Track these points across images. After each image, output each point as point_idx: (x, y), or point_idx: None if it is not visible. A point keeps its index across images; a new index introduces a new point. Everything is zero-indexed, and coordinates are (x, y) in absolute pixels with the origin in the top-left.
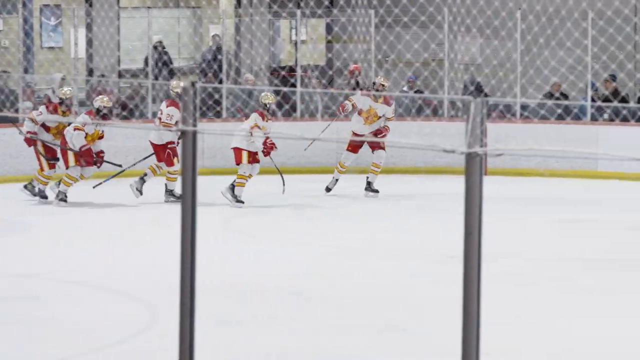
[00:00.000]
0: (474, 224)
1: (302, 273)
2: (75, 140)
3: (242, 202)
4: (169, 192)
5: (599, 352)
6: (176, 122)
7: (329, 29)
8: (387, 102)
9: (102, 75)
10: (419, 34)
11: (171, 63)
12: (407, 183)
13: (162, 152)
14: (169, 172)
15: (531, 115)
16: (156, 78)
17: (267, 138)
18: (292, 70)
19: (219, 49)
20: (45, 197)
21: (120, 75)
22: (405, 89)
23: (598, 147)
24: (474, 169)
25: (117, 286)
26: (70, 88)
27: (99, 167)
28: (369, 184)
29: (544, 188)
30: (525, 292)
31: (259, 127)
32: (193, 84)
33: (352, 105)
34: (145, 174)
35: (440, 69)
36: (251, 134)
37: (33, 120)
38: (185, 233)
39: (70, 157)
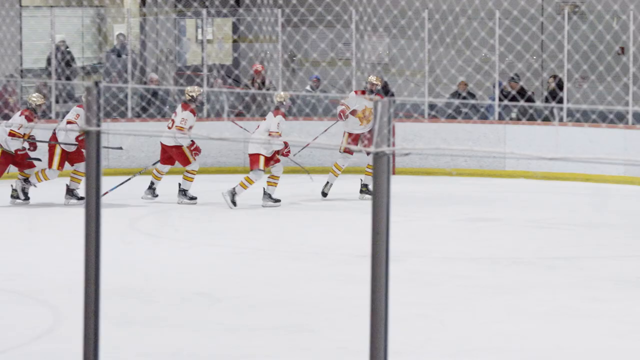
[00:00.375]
0: (382, 224)
1: (209, 274)
2: (12, 144)
3: (279, 200)
4: (182, 192)
5: (506, 349)
6: (190, 127)
7: (235, 28)
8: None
9: (11, 76)
10: (325, 33)
11: (74, 62)
12: (316, 183)
13: (176, 151)
14: (186, 172)
15: (438, 115)
16: (59, 78)
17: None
18: (197, 69)
19: (123, 48)
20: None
21: (22, 75)
22: (308, 88)
23: (505, 146)
24: (381, 169)
25: (20, 289)
26: (38, 94)
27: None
28: (365, 186)
29: (452, 187)
30: (433, 291)
31: (278, 132)
32: (97, 83)
33: (346, 107)
34: (152, 182)
35: (347, 68)
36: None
37: (16, 135)
38: (89, 234)
39: (56, 158)
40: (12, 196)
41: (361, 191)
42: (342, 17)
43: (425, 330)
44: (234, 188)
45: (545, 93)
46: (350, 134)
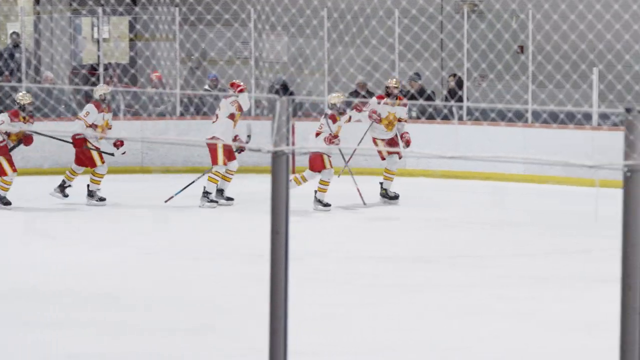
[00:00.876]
0: (281, 223)
1: (110, 275)
2: None
3: (329, 205)
4: (205, 194)
5: (412, 346)
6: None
7: (131, 26)
8: (404, 103)
9: None
10: (223, 32)
11: None
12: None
13: (212, 150)
14: (226, 172)
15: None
16: None
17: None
18: (93, 68)
19: (16, 46)
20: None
21: None
22: (207, 87)
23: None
24: (280, 168)
25: None
26: (27, 92)
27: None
28: (385, 190)
29: (352, 186)
30: (334, 291)
31: (331, 134)
32: None
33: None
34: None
35: (246, 67)
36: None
37: None
38: None
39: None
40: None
41: (381, 195)
42: (240, 16)
43: (327, 330)
44: (315, 196)
45: (445, 92)
46: (376, 140)
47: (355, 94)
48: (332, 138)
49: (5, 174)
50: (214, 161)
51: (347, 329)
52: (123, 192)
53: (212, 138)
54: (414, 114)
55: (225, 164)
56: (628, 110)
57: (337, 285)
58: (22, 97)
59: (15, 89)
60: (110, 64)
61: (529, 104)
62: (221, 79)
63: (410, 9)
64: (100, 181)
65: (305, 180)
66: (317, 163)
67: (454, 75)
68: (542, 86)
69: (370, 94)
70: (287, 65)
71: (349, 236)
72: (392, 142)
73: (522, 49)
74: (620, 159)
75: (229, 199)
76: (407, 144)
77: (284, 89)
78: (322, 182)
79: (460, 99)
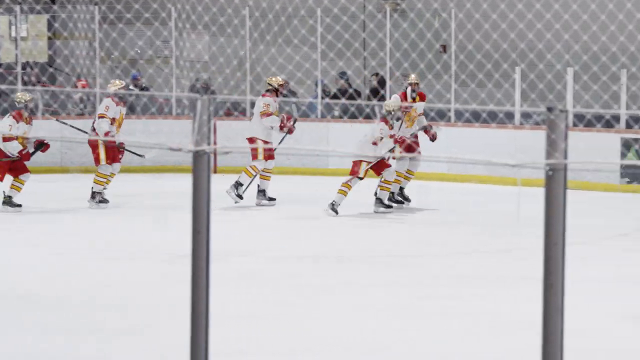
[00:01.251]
0: (202, 223)
1: (31, 276)
2: (10, 147)
3: (391, 207)
4: (261, 193)
5: (338, 345)
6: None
7: (49, 25)
8: (423, 98)
9: None
10: (143, 31)
11: None
12: (135, 182)
13: (250, 143)
14: (263, 170)
15: None
16: None
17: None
18: (11, 67)
19: None
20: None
21: None
22: (131, 87)
23: (329, 144)
24: (201, 167)
25: None
26: (23, 92)
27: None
28: (401, 189)
29: (275, 185)
30: (257, 291)
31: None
32: None
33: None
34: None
35: (166, 66)
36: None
37: (10, 138)
38: None
39: (102, 154)
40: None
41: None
42: (161, 15)
43: (250, 331)
44: (376, 197)
45: (367, 91)
46: (397, 140)
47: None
48: (397, 140)
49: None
50: (253, 156)
51: (270, 328)
52: (41, 192)
53: (251, 138)
54: (336, 113)
55: (265, 159)
56: (550, 110)
57: (260, 285)
58: (22, 95)
59: None
60: (28, 62)
61: (452, 103)
62: (142, 78)
63: (332, 8)
64: (103, 182)
65: (349, 187)
66: (381, 165)
67: (377, 74)
68: (464, 85)
69: (292, 93)
70: (208, 64)
71: (272, 236)
72: (410, 144)
73: (444, 48)
74: (542, 158)
75: (271, 199)
76: (433, 138)
77: (205, 88)
78: (385, 181)
79: (382, 98)
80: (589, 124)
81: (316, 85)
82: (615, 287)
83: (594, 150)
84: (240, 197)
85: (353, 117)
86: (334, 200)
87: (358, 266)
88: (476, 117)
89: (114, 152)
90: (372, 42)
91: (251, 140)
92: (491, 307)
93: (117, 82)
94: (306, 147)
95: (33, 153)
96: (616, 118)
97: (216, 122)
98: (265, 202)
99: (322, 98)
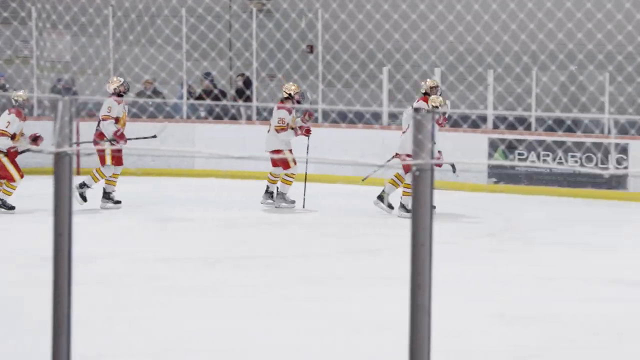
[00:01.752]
0: (64, 225)
1: None
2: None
3: (410, 211)
4: (281, 196)
5: (203, 348)
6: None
7: None
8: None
9: None
10: (1, 30)
11: None
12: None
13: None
14: (286, 175)
15: (139, 112)
16: None
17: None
18: None
19: None
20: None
21: None
22: None
23: (194, 145)
24: (63, 169)
25: None
26: (24, 91)
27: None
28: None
29: (140, 187)
30: (125, 293)
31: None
32: None
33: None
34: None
35: (26, 66)
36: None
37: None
38: None
39: (107, 155)
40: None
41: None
42: (20, 14)
43: (114, 332)
44: (401, 202)
45: (233, 92)
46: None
47: (141, 93)
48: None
49: (13, 180)
50: (285, 166)
51: (133, 331)
52: None
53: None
54: (202, 114)
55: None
56: (416, 110)
57: (124, 288)
58: (22, 94)
59: None
60: None
61: (319, 103)
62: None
63: (196, 8)
64: (115, 182)
65: (409, 186)
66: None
67: (242, 74)
68: (331, 86)
69: (156, 93)
70: (69, 64)
71: (136, 238)
72: None
73: (311, 48)
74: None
75: (292, 202)
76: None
77: (67, 89)
78: (406, 185)
79: (248, 99)
80: (456, 125)
81: (181, 85)
82: (483, 287)
83: (461, 151)
84: (293, 201)
85: (218, 117)
86: (401, 203)
87: (222, 267)
88: (343, 118)
89: (119, 154)
90: (237, 42)
91: (276, 152)
92: (358, 308)
93: (116, 79)
94: (171, 148)
95: (22, 152)
96: (483, 118)
97: (78, 124)
98: (284, 204)
99: (187, 99)
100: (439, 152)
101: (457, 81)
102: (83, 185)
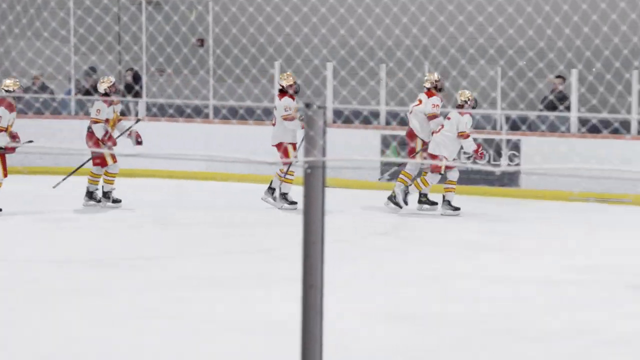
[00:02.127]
0: None
1: None
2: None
3: (459, 209)
4: (283, 196)
5: (84, 353)
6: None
7: None
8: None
9: None
10: None
11: None
12: None
13: (280, 149)
14: (286, 174)
15: (25, 109)
16: None
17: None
18: None
19: None
20: None
21: None
22: None
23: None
24: None
25: None
26: (13, 79)
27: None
28: (424, 195)
29: (25, 186)
30: (5, 297)
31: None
32: None
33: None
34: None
35: None
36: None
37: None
38: None
39: (107, 156)
40: None
41: (419, 201)
42: None
43: None
44: (444, 198)
45: (122, 87)
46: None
47: (28, 89)
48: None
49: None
50: (286, 154)
51: (16, 335)
52: None
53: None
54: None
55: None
56: (308, 106)
57: (7, 291)
58: (13, 83)
59: None
60: None
61: (210, 99)
62: None
63: (84, 0)
64: (114, 181)
65: (426, 184)
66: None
67: (131, 69)
68: (221, 80)
69: (44, 88)
70: None
71: (25, 238)
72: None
73: (201, 42)
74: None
75: (293, 202)
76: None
77: None
78: (449, 182)
79: (137, 94)
80: (348, 121)
81: (69, 80)
82: (375, 286)
83: (354, 147)
84: (295, 202)
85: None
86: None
87: (109, 269)
88: (233, 114)
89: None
90: (126, 35)
91: (279, 146)
92: (248, 308)
93: (107, 78)
94: (60, 145)
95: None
96: (375, 114)
97: None
98: (287, 205)
99: (75, 94)
100: (445, 157)
101: (349, 76)
102: (106, 194)
